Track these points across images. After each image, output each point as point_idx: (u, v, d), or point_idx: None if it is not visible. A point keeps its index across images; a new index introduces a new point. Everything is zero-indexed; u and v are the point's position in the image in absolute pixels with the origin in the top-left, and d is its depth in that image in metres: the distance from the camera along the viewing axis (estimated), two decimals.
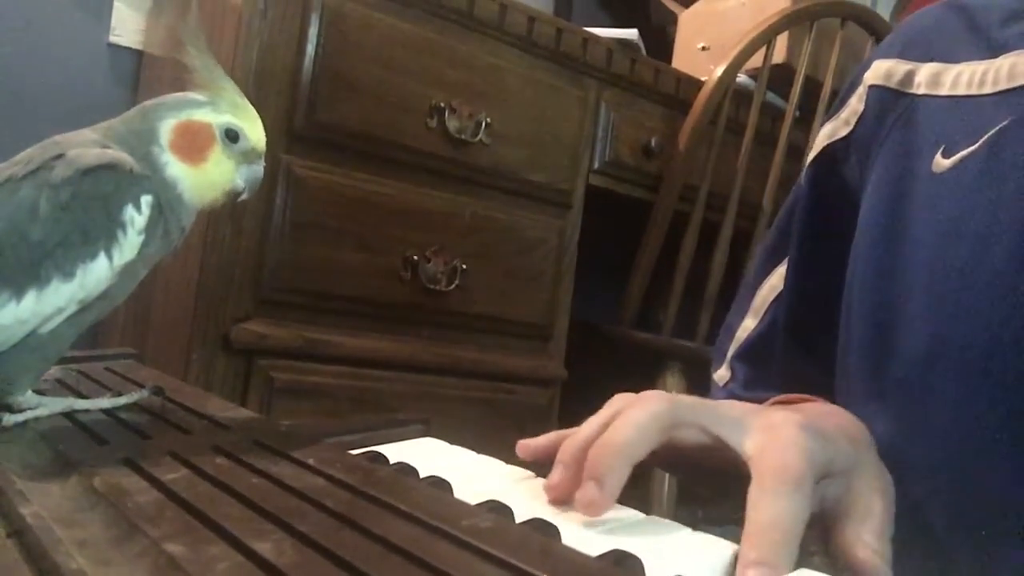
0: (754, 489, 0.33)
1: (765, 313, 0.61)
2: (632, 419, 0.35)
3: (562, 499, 0.35)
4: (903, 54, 0.51)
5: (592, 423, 0.38)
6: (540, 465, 0.40)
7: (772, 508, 0.32)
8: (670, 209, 1.51)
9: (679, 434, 0.36)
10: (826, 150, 0.56)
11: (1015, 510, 0.38)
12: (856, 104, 0.54)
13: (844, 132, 0.55)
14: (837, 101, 0.57)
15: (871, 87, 0.53)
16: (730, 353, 0.63)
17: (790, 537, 0.31)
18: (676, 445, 0.37)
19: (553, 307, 1.42)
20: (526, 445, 0.41)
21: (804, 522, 0.32)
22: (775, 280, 0.61)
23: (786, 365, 0.59)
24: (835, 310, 0.53)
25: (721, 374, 0.64)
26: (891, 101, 0.51)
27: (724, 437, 0.37)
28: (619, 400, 0.39)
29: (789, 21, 1.51)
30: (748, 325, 0.62)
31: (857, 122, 0.54)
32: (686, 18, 1.89)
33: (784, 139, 1.53)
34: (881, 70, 0.52)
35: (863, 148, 0.53)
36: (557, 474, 0.36)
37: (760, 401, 0.50)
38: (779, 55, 1.61)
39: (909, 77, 0.50)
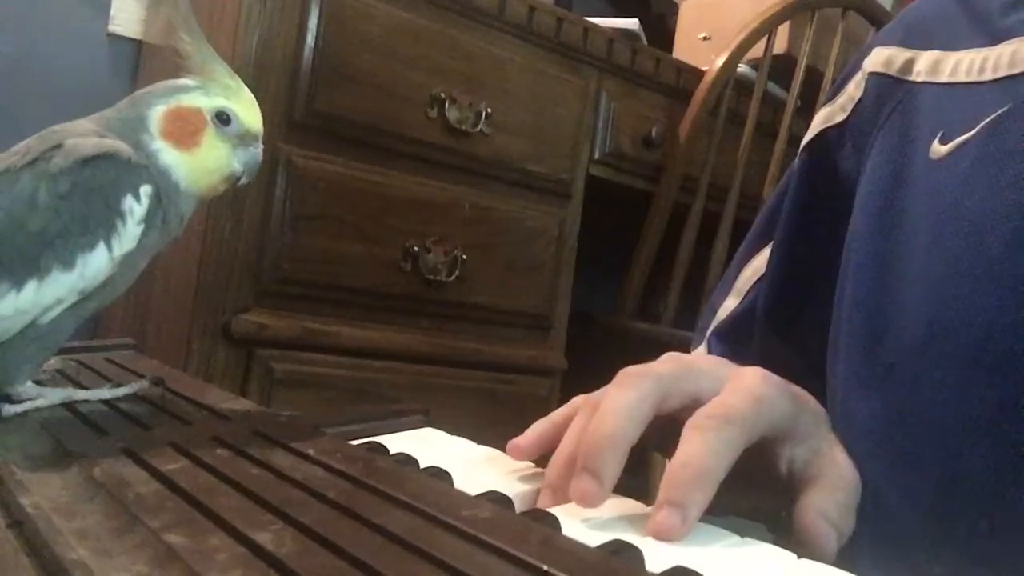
0: (686, 426, 0.33)
1: (747, 294, 0.61)
2: (620, 403, 0.34)
3: (592, 504, 0.33)
4: (904, 42, 0.51)
5: (575, 428, 0.37)
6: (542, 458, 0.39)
7: (691, 444, 0.32)
8: (670, 200, 1.51)
9: (665, 405, 0.36)
10: (821, 136, 0.56)
11: (1008, 498, 0.38)
12: (854, 90, 0.54)
13: (840, 118, 0.55)
14: (834, 86, 0.57)
15: (870, 74, 0.53)
16: (708, 331, 0.64)
17: (705, 474, 0.31)
18: (664, 417, 0.36)
19: (553, 297, 1.42)
20: (516, 446, 0.39)
21: (727, 459, 0.32)
22: (759, 261, 0.61)
23: (762, 348, 0.59)
24: (817, 296, 0.53)
25: (698, 352, 0.64)
26: (890, 89, 0.51)
27: (701, 394, 0.36)
28: (590, 398, 0.38)
29: (790, 11, 1.51)
30: (729, 305, 0.62)
31: (854, 109, 0.54)
32: (687, 8, 1.89)
33: (785, 130, 1.53)
34: (881, 57, 0.52)
35: (860, 135, 0.53)
36: (547, 499, 0.34)
37: None
38: (780, 45, 1.60)
39: (909, 65, 0.50)
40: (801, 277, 0.56)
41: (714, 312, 0.64)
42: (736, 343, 0.61)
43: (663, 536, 0.30)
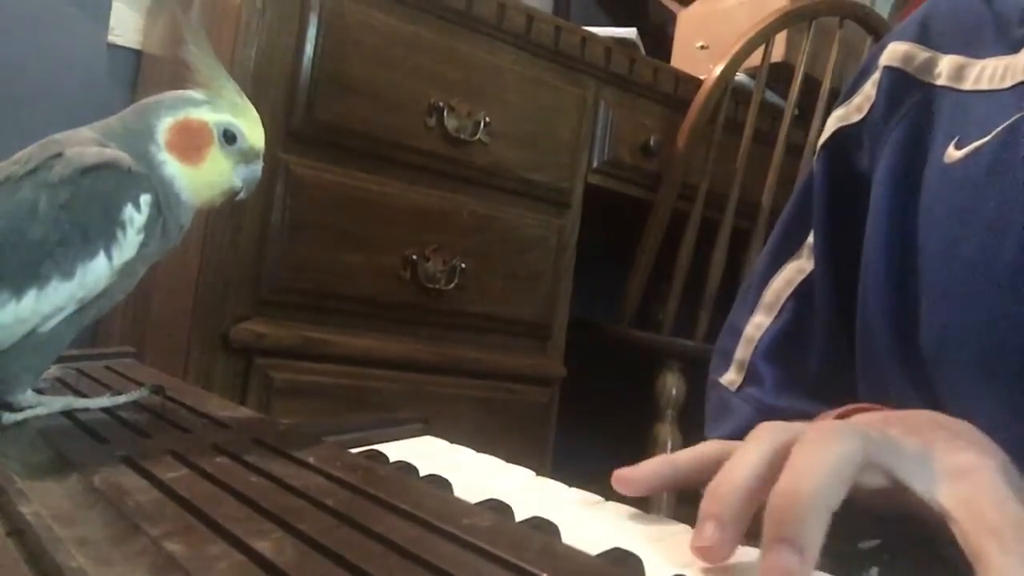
0: (984, 557, 0.27)
1: (782, 309, 0.59)
2: (822, 459, 0.28)
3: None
4: (923, 39, 0.51)
5: (747, 461, 0.30)
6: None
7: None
8: (669, 208, 1.51)
9: (862, 477, 0.30)
10: (837, 135, 0.56)
11: None
12: (869, 90, 0.54)
13: (856, 118, 0.55)
14: (849, 86, 0.56)
15: (886, 68, 0.52)
16: (742, 354, 0.61)
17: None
18: (855, 488, 0.30)
19: (552, 306, 1.42)
20: (626, 478, 0.33)
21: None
22: (789, 274, 0.59)
23: (828, 355, 0.56)
24: None
25: (731, 378, 0.61)
26: (908, 86, 0.51)
27: (908, 481, 0.31)
28: (773, 432, 0.31)
29: (788, 20, 1.51)
30: (761, 322, 0.60)
31: (870, 109, 0.54)
32: (685, 17, 1.89)
33: (783, 138, 1.53)
34: (898, 53, 0.52)
35: (875, 133, 0.53)
36: (712, 531, 0.28)
37: (805, 414, 0.46)
38: (778, 54, 1.61)
39: (929, 65, 0.50)
40: (852, 274, 0.55)
41: (738, 332, 0.61)
42: (789, 363, 0.59)
43: None
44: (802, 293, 0.59)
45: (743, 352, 0.61)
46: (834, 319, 0.56)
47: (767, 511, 0.27)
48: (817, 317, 0.57)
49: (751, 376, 0.60)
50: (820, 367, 0.57)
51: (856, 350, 0.51)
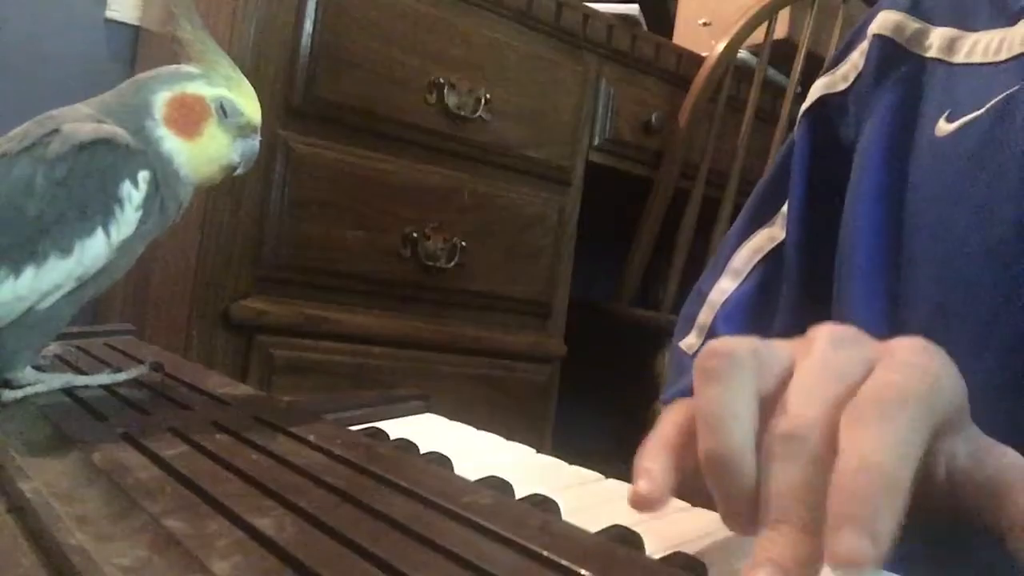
0: (845, 417, 0.25)
1: (749, 274, 0.59)
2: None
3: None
4: (914, 10, 0.51)
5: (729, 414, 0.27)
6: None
7: (863, 441, 0.23)
8: (670, 186, 1.51)
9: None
10: (821, 102, 0.56)
11: None
12: (857, 59, 0.53)
13: (841, 87, 0.54)
14: (835, 54, 0.56)
15: (876, 36, 0.52)
16: (704, 318, 0.61)
17: (892, 482, 0.23)
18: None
19: (553, 284, 1.42)
20: (645, 495, 0.26)
21: (915, 458, 0.24)
22: (760, 241, 0.59)
23: (791, 324, 0.57)
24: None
25: (690, 342, 0.62)
26: (897, 56, 0.50)
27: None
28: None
29: None
30: (725, 287, 0.60)
31: (857, 78, 0.53)
32: None
33: (785, 115, 1.53)
34: (889, 22, 0.51)
35: (861, 102, 0.53)
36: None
37: None
38: (781, 31, 1.60)
39: (919, 36, 0.50)
40: (827, 243, 0.55)
41: (703, 296, 0.62)
42: (749, 328, 0.59)
43: (852, 567, 0.21)
44: (770, 260, 0.58)
45: (705, 316, 0.61)
46: (802, 288, 0.56)
47: (832, 487, 0.23)
48: (785, 286, 0.57)
49: (709, 339, 0.59)
50: (782, 334, 0.57)
51: (833, 315, 0.51)
